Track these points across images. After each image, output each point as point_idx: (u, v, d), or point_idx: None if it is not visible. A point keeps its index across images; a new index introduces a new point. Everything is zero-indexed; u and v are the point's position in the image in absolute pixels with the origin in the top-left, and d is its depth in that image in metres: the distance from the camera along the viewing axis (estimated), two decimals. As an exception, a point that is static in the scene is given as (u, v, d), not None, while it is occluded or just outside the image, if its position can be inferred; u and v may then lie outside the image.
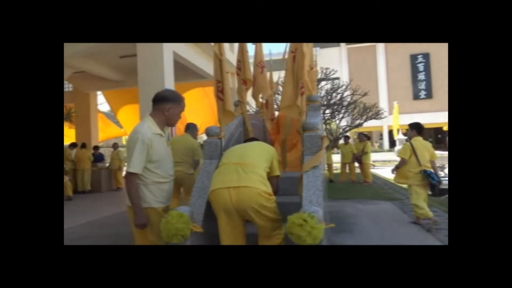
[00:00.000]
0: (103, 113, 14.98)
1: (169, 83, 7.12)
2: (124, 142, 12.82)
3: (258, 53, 4.16)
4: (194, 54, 8.54)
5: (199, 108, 12.08)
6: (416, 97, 26.98)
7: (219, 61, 2.86)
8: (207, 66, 9.39)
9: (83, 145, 9.16)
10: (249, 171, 2.15)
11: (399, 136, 19.54)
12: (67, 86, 11.98)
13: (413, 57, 26.99)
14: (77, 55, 7.69)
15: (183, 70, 9.05)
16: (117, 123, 14.68)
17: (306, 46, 2.60)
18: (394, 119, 20.35)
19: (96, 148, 9.76)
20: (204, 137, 2.96)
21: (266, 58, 4.92)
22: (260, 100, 4.40)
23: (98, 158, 9.28)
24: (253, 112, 5.27)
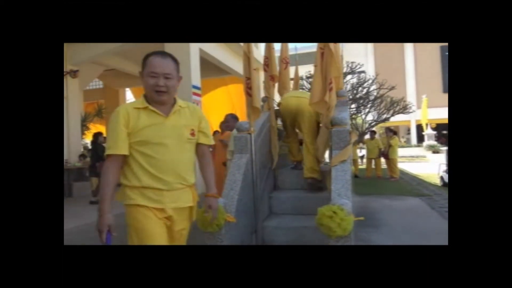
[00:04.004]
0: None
1: (196, 79, 7.30)
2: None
3: (283, 49, 4.22)
4: (220, 50, 8.68)
5: (222, 107, 12.29)
6: (446, 90, 25.94)
7: (247, 58, 2.95)
8: (231, 62, 9.52)
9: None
10: None
11: (427, 131, 18.91)
12: (98, 84, 12.51)
13: (444, 48, 25.92)
14: (108, 53, 8.01)
15: (209, 67, 9.23)
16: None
17: (334, 43, 2.64)
18: (422, 113, 19.69)
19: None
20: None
21: (291, 53, 4.94)
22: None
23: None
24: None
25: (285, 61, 4.07)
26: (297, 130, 3.70)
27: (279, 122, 3.79)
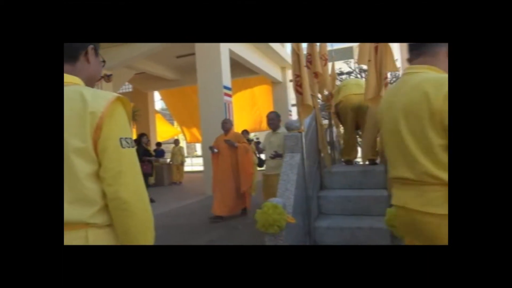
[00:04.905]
0: (159, 111, 15.78)
1: (226, 80, 7.32)
2: (181, 139, 13.43)
3: (322, 46, 4.13)
4: (248, 51, 8.67)
5: (249, 110, 12.34)
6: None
7: (296, 55, 2.89)
8: (260, 62, 9.51)
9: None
10: None
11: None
12: (127, 87, 12.83)
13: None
14: (139, 57, 8.18)
15: (237, 67, 9.25)
16: (171, 121, 15.41)
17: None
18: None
19: (158, 144, 10.34)
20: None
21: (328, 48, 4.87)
22: (325, 93, 4.37)
23: (159, 154, 9.84)
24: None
25: (324, 58, 3.98)
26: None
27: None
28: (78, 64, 0.91)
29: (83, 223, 0.79)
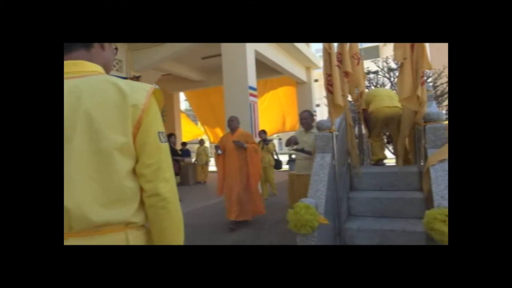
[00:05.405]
0: (183, 111, 16.06)
1: (252, 80, 7.34)
2: (206, 139, 13.61)
3: (353, 45, 4.06)
4: (273, 51, 8.67)
5: (272, 111, 12.31)
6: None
7: (328, 54, 2.86)
8: (284, 62, 9.47)
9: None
10: None
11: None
12: (154, 88, 13.13)
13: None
14: (167, 59, 8.36)
15: (262, 67, 9.26)
16: (195, 121, 15.64)
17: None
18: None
19: (184, 144, 10.52)
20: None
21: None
22: (355, 92, 4.29)
23: (185, 153, 10.01)
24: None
25: (356, 57, 3.90)
26: None
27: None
28: (93, 51, 0.85)
29: (123, 224, 0.75)
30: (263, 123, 11.26)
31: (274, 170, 6.93)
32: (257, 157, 4.45)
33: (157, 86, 0.84)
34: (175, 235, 0.83)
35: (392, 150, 4.68)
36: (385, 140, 5.24)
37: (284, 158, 9.46)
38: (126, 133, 0.74)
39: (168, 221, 0.80)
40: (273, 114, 12.50)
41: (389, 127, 4.02)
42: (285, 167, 12.67)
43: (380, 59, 8.36)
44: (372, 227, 2.87)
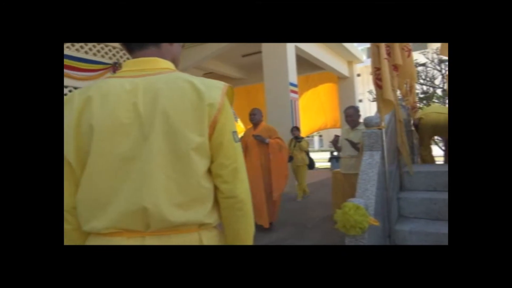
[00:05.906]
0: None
1: (293, 77, 7.25)
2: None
3: (401, 36, 3.83)
4: (314, 46, 8.48)
5: (312, 108, 12.07)
6: None
7: (376, 47, 2.72)
8: (326, 57, 9.24)
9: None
10: None
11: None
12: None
13: None
14: (208, 58, 8.53)
15: (303, 63, 9.11)
16: (236, 118, 15.85)
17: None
18: None
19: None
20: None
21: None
22: (405, 86, 4.05)
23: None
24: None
25: (407, 49, 3.67)
26: None
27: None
28: (163, 46, 0.82)
29: (197, 224, 0.73)
30: (303, 121, 11.11)
31: (308, 170, 6.26)
32: (282, 155, 3.90)
33: (228, 84, 0.80)
34: (247, 235, 0.82)
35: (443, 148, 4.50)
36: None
37: (325, 156, 9.23)
38: (203, 132, 0.72)
39: (243, 222, 0.79)
40: (313, 111, 12.26)
41: (440, 134, 4.04)
42: (327, 164, 12.40)
43: (430, 50, 7.83)
44: (426, 230, 2.69)
